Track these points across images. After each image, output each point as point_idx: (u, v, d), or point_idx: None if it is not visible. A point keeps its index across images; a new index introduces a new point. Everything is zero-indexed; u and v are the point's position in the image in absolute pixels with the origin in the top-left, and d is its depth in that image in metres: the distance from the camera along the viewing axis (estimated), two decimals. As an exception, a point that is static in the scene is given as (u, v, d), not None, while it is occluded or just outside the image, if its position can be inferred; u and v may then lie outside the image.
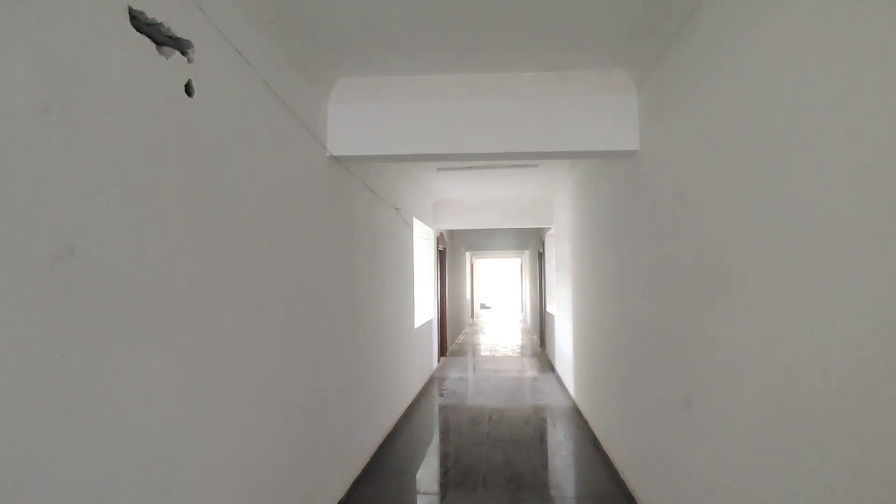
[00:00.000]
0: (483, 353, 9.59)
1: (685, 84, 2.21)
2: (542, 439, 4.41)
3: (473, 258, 17.45)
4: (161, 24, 1.50)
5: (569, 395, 5.85)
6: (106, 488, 1.28)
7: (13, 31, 1.07)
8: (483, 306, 25.00)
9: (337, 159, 3.07)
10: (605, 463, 3.75)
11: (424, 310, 7.10)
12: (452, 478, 3.59)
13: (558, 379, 6.87)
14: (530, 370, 7.70)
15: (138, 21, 1.43)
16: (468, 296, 16.02)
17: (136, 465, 1.38)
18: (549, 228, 8.22)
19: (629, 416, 3.22)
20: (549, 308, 8.53)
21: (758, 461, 1.62)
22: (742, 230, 1.73)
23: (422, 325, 6.48)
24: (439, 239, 8.24)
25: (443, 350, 8.78)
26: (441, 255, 8.66)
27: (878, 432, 1.11)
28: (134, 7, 1.40)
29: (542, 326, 9.99)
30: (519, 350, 10.02)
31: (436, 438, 4.53)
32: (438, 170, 5.40)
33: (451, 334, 10.30)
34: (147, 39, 1.47)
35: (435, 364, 7.70)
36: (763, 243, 1.59)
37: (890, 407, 1.08)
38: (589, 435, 4.42)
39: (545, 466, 3.78)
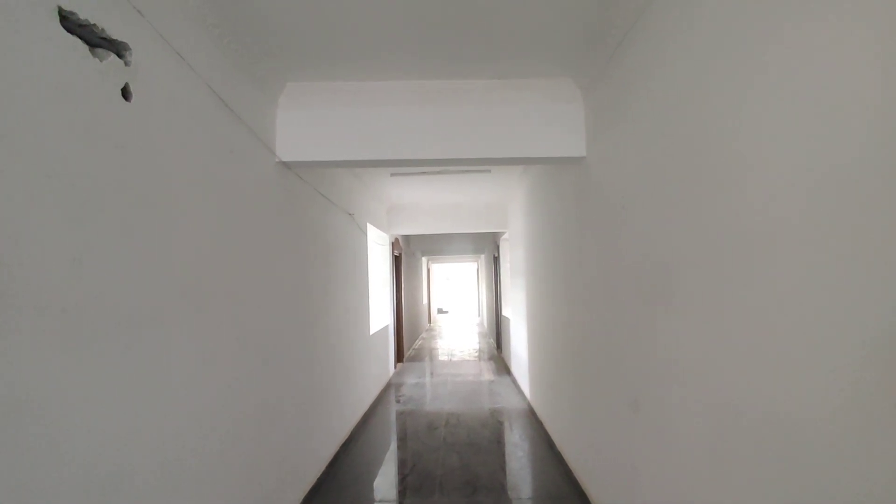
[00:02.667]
0: (440, 358, 9.59)
1: (627, 94, 2.29)
2: (498, 442, 4.45)
3: (430, 263, 17.46)
4: (95, 25, 1.44)
5: (524, 398, 5.93)
6: (43, 495, 1.21)
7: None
8: (440, 311, 25.02)
9: (287, 165, 3.02)
10: (559, 464, 3.81)
11: (380, 316, 7.04)
12: (409, 484, 3.57)
13: (514, 382, 6.95)
14: (487, 374, 7.76)
15: (69, 22, 1.37)
16: (425, 301, 16.00)
17: (74, 488, 1.31)
18: (503, 233, 8.33)
19: (582, 418, 3.29)
20: (505, 312, 8.63)
21: (699, 460, 1.69)
22: (679, 236, 1.81)
23: (377, 332, 6.43)
24: (395, 244, 8.21)
25: (399, 356, 8.74)
26: (397, 261, 8.63)
27: (805, 422, 1.18)
28: (64, 7, 1.34)
29: (498, 330, 10.09)
30: (476, 354, 10.08)
31: (393, 445, 4.50)
32: (392, 175, 5.39)
33: (407, 340, 10.26)
34: (79, 41, 1.41)
35: (392, 370, 7.65)
36: (697, 248, 1.67)
37: (809, 398, 1.15)
38: (544, 436, 4.49)
39: (501, 469, 3.81)
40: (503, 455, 4.12)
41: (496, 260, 10.04)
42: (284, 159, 2.93)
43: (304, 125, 2.96)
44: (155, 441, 1.68)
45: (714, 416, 1.58)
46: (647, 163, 2.10)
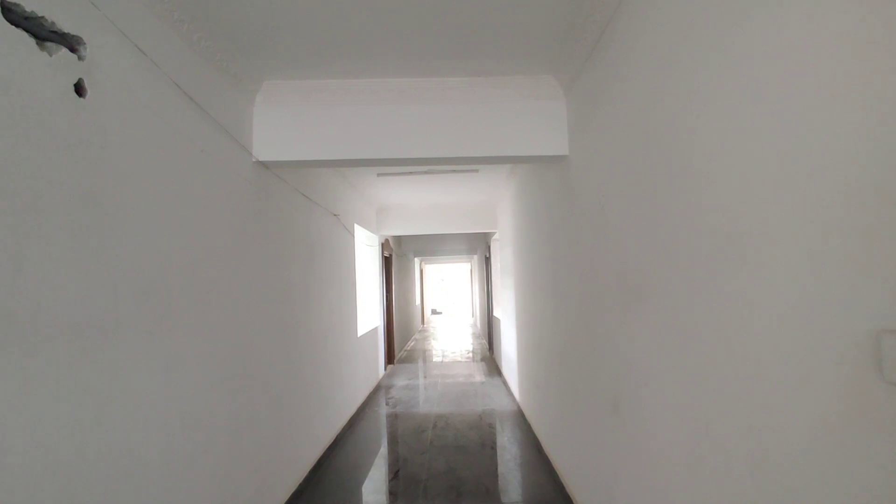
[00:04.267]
0: (432, 360, 9.53)
1: (605, 91, 2.24)
2: (485, 445, 4.39)
3: (423, 264, 17.39)
4: (43, 17, 1.38)
5: (514, 399, 5.88)
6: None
7: None
8: (434, 312, 24.94)
9: (265, 165, 2.96)
10: (546, 467, 3.76)
11: (369, 317, 6.98)
12: (393, 489, 3.51)
13: (504, 383, 6.90)
14: (478, 375, 7.70)
15: (13, 14, 1.30)
16: (418, 301, 15.93)
17: (37, 488, 1.25)
18: (494, 233, 8.29)
19: (568, 420, 3.24)
20: (496, 312, 8.58)
21: (674, 465, 1.64)
22: (651, 237, 1.76)
23: (366, 333, 6.36)
24: (385, 245, 8.14)
25: (390, 357, 8.67)
26: (387, 262, 8.56)
27: (774, 426, 1.13)
28: (7, -1, 1.28)
29: (490, 331, 10.04)
30: (469, 355, 10.03)
31: (382, 449, 4.43)
32: (379, 175, 5.33)
33: (399, 341, 10.19)
34: (26, 34, 1.34)
35: (381, 372, 7.58)
36: (672, 250, 1.62)
37: (779, 405, 1.10)
38: (532, 439, 4.44)
39: (487, 473, 3.76)
40: (490, 458, 4.06)
41: (487, 261, 10.00)
42: (262, 159, 2.87)
43: (283, 124, 2.90)
44: (107, 457, 1.61)
45: (687, 422, 1.53)
46: (622, 161, 2.05)
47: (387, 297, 8.52)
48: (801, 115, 1.03)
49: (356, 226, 5.94)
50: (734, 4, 1.25)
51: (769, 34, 1.12)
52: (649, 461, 1.86)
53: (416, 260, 14.89)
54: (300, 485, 3.45)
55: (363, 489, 3.57)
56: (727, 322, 1.31)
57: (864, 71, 0.89)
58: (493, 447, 4.34)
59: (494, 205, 7.34)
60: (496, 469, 3.83)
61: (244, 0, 2.05)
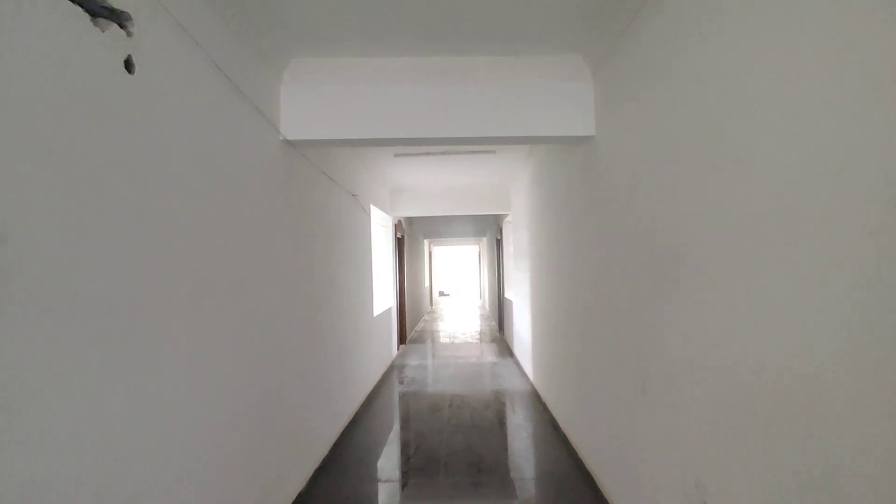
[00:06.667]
0: (442, 340, 9.62)
1: (639, 73, 2.23)
2: (502, 423, 4.46)
3: (432, 245, 17.42)
4: (96, -7, 1.39)
5: (528, 380, 5.94)
6: (45, 487, 1.20)
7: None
8: (442, 294, 25.06)
9: (291, 143, 2.97)
10: (564, 444, 3.83)
11: (383, 298, 7.04)
12: (414, 465, 3.59)
13: (517, 363, 6.97)
14: (490, 356, 7.77)
15: (69, -11, 1.32)
16: (427, 283, 16.01)
17: (74, 476, 1.30)
18: (506, 215, 8.28)
19: (587, 399, 3.29)
20: (508, 294, 8.62)
21: (707, 439, 1.67)
22: (691, 218, 1.78)
23: (381, 314, 6.43)
24: (397, 226, 8.17)
25: (402, 338, 8.75)
26: (399, 243, 8.59)
27: (819, 413, 1.16)
28: (64, -26, 1.29)
29: (500, 312, 10.10)
30: (478, 336, 10.10)
31: (396, 426, 4.51)
32: (395, 156, 5.33)
33: (410, 322, 10.28)
34: (80, 10, 1.36)
35: (395, 352, 7.67)
36: (710, 231, 1.63)
37: (824, 388, 1.13)
38: (548, 418, 4.50)
39: (505, 450, 3.83)
40: (507, 436, 4.13)
41: (499, 242, 10.01)
42: (289, 137, 2.89)
43: (309, 103, 2.91)
44: (157, 428, 1.66)
45: (724, 398, 1.56)
46: (658, 142, 2.06)
47: (400, 278, 8.57)
48: (856, 102, 1.04)
49: (372, 206, 5.96)
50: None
51: (801, 27, 1.12)
52: (680, 438, 1.90)
53: (426, 241, 14.92)
54: (324, 459, 3.53)
55: (384, 464, 3.64)
56: (774, 298, 1.33)
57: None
58: (510, 426, 4.41)
59: (508, 186, 7.33)
60: (514, 447, 3.90)
61: (279, -23, 2.05)
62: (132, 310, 1.53)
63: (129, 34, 1.54)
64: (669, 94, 1.95)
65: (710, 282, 1.64)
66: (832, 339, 1.13)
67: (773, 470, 1.34)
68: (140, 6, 1.59)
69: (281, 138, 2.87)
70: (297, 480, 3.02)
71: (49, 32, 1.25)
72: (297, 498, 2.97)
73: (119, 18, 1.50)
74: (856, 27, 1.05)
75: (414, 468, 3.53)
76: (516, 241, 6.90)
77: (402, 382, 6.12)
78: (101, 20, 1.43)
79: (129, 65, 1.54)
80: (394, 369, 6.87)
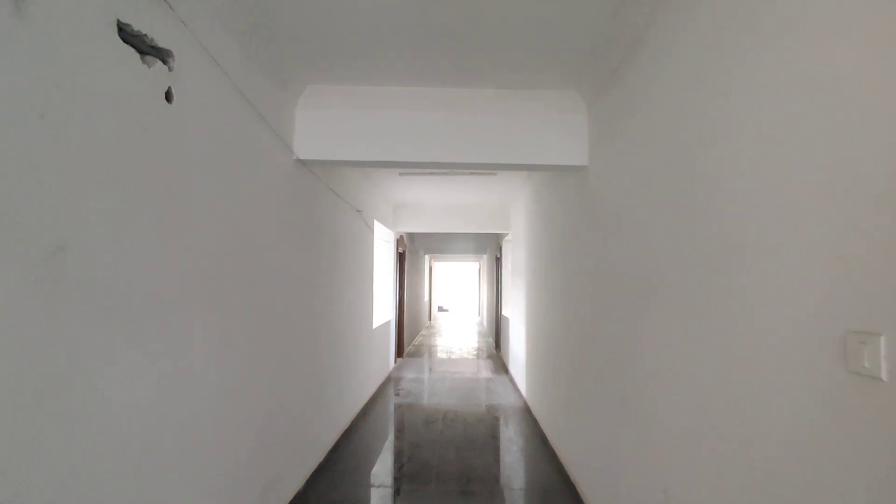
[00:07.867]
0: (440, 355, 9.75)
1: (626, 107, 2.44)
2: (493, 437, 4.61)
3: (432, 261, 17.62)
4: (145, 35, 1.60)
5: (521, 396, 6.08)
6: (86, 471, 1.37)
7: (16, 42, 1.16)
8: (441, 309, 25.19)
9: (303, 163, 3.18)
10: (551, 458, 3.97)
11: (383, 311, 7.20)
12: (407, 472, 3.73)
13: (511, 380, 7.11)
14: (485, 371, 7.91)
15: (125, 32, 1.52)
16: (426, 298, 16.16)
17: (112, 451, 1.47)
18: (506, 234, 8.48)
19: (575, 414, 3.45)
20: (505, 311, 8.78)
21: (673, 446, 1.84)
22: (660, 247, 1.98)
23: (380, 326, 6.59)
24: (399, 241, 8.37)
25: (400, 351, 8.90)
26: (401, 258, 8.78)
27: (761, 418, 1.34)
28: (121, 20, 1.50)
29: (497, 329, 10.25)
30: (475, 352, 10.24)
31: (391, 436, 4.66)
32: (400, 174, 5.54)
33: (408, 336, 10.42)
34: (132, 49, 1.56)
35: (392, 364, 7.81)
36: (677, 262, 1.83)
37: (775, 405, 1.30)
38: (538, 432, 4.64)
39: (496, 462, 3.97)
40: (498, 449, 4.27)
41: (498, 260, 10.19)
42: (302, 157, 3.09)
43: (322, 126, 3.12)
44: (180, 414, 1.84)
45: (688, 410, 1.74)
46: (639, 175, 2.25)
47: (399, 292, 8.74)
48: (792, 155, 1.23)
49: (375, 221, 6.16)
50: (752, 41, 1.44)
51: (778, 73, 1.32)
52: (652, 448, 2.06)
53: (427, 257, 15.11)
54: (320, 463, 3.68)
55: (378, 471, 3.79)
56: (727, 321, 1.52)
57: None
58: (501, 439, 4.55)
59: (508, 206, 7.54)
60: (504, 459, 4.05)
61: (296, 14, 2.27)
62: (163, 310, 1.71)
63: (170, 69, 1.74)
64: (647, 130, 2.16)
65: (682, 303, 1.82)
66: (774, 352, 1.31)
67: (725, 476, 1.51)
68: (180, 43, 1.80)
69: (294, 158, 3.07)
70: (296, 481, 3.17)
71: (109, 70, 1.45)
72: (295, 498, 3.11)
73: (162, 55, 1.71)
74: (825, 65, 1.24)
75: (407, 476, 3.67)
76: (514, 260, 7.08)
77: (398, 395, 6.26)
78: (148, 58, 1.64)
79: (168, 95, 1.74)
80: (390, 381, 7.01)
